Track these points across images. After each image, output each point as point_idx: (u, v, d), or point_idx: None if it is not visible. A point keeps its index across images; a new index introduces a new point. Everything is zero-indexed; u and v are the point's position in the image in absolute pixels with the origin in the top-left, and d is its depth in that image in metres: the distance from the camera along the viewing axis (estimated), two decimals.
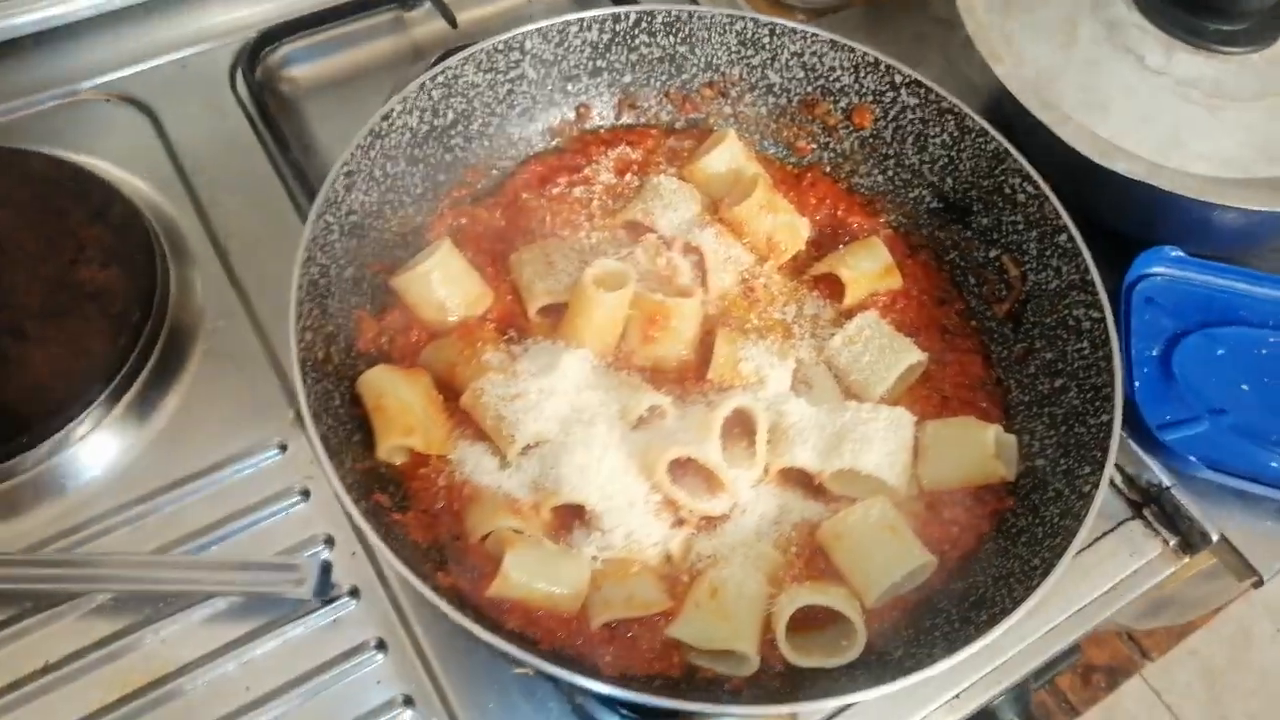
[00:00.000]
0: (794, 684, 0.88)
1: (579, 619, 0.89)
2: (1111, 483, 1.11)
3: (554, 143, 1.22)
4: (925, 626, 0.91)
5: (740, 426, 1.00)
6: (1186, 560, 1.10)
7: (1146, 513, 1.11)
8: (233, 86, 1.33)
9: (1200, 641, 2.63)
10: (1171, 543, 1.10)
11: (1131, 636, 2.57)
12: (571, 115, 1.22)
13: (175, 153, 1.27)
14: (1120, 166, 1.07)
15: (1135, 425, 1.11)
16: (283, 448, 1.07)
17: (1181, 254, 1.23)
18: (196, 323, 1.15)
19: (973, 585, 0.92)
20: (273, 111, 1.29)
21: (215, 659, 0.95)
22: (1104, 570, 1.08)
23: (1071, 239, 1.03)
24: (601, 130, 1.23)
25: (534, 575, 0.87)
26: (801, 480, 1.00)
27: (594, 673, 0.78)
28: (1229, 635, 2.66)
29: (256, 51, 1.34)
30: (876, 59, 1.15)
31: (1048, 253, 1.06)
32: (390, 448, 0.94)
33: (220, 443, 1.06)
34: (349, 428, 0.95)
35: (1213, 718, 2.57)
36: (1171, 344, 1.19)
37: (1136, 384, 1.14)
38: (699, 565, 0.94)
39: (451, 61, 1.08)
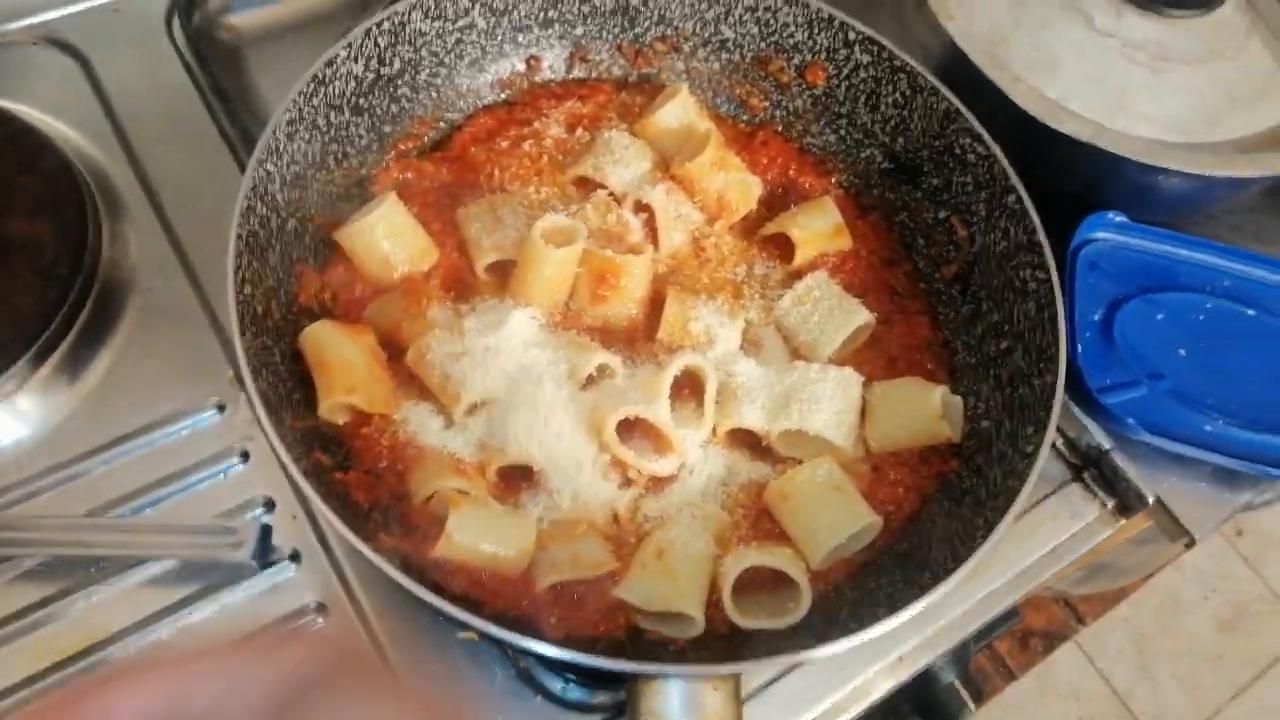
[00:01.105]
0: (738, 645, 0.88)
1: (524, 580, 0.88)
2: (1053, 446, 1.13)
3: (503, 95, 1.19)
4: (870, 588, 0.92)
5: (689, 387, 1.00)
6: (1123, 523, 1.12)
7: (1086, 476, 1.13)
8: (169, 32, 1.28)
9: (1131, 609, 2.71)
10: (1109, 505, 1.12)
11: (1068, 602, 2.64)
12: (522, 67, 1.19)
13: (108, 101, 1.22)
14: (1068, 128, 1.08)
15: (1077, 389, 1.12)
16: (220, 408, 1.04)
17: (1125, 219, 1.24)
18: (130, 278, 1.11)
19: (917, 546, 0.93)
20: (211, 60, 1.25)
21: (149, 625, 0.93)
22: (1045, 532, 1.09)
23: (1020, 200, 1.03)
24: (552, 84, 1.21)
25: (479, 536, 0.86)
26: (749, 441, 1.00)
27: (538, 635, 0.77)
28: (1158, 603, 2.74)
29: None
30: (830, 15, 1.13)
31: (996, 214, 1.07)
32: (332, 405, 0.92)
33: (155, 403, 1.03)
34: (289, 385, 0.92)
35: (1142, 679, 2.65)
36: (1113, 308, 1.20)
37: (1079, 348, 1.15)
38: (646, 526, 0.94)
39: (399, 7, 1.05)
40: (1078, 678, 2.62)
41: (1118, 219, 1.24)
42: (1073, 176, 1.19)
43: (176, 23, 1.28)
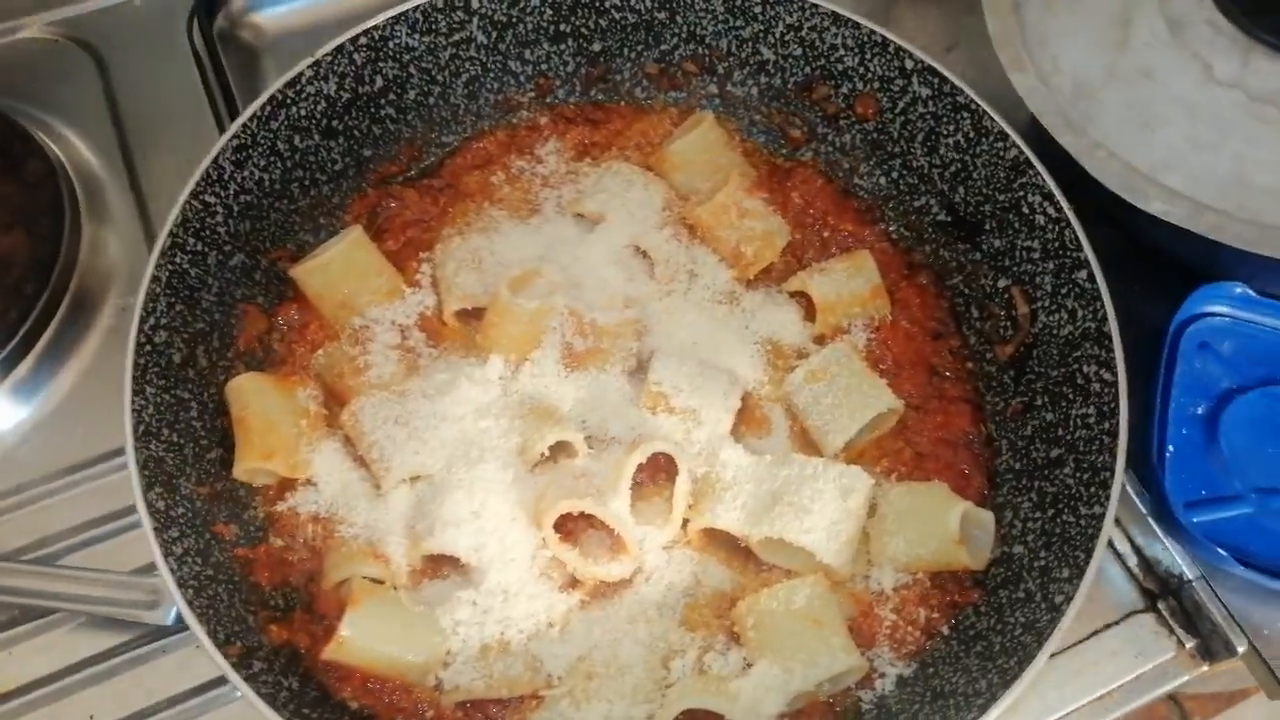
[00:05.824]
0: None
1: (431, 692, 0.77)
2: (1125, 566, 0.94)
3: (507, 118, 1.07)
4: None
5: (666, 471, 0.86)
6: (1205, 669, 0.91)
7: (1162, 606, 0.93)
8: (189, 33, 1.21)
9: (1248, 710, 2.37)
10: (1189, 645, 0.91)
11: (1174, 698, 2.34)
12: (529, 87, 1.07)
13: (116, 102, 1.18)
14: (1156, 208, 0.87)
15: (1159, 501, 0.93)
16: None
17: (1249, 292, 1.02)
18: (102, 289, 1.06)
19: (905, 701, 0.77)
20: (227, 64, 1.17)
21: (59, 680, 0.87)
22: (1100, 672, 0.90)
23: (1092, 277, 0.85)
24: (566, 106, 1.08)
25: (378, 639, 0.75)
26: (727, 542, 0.85)
27: None
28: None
29: None
30: (885, 39, 0.96)
31: (1064, 290, 0.88)
32: (248, 469, 0.83)
33: (107, 434, 0.97)
34: (206, 442, 0.84)
35: None
36: (1222, 402, 1.00)
37: (1170, 448, 0.96)
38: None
39: (377, 20, 0.94)
40: None
41: (1239, 290, 1.03)
42: (1180, 247, 0.98)
43: (198, 23, 1.21)
